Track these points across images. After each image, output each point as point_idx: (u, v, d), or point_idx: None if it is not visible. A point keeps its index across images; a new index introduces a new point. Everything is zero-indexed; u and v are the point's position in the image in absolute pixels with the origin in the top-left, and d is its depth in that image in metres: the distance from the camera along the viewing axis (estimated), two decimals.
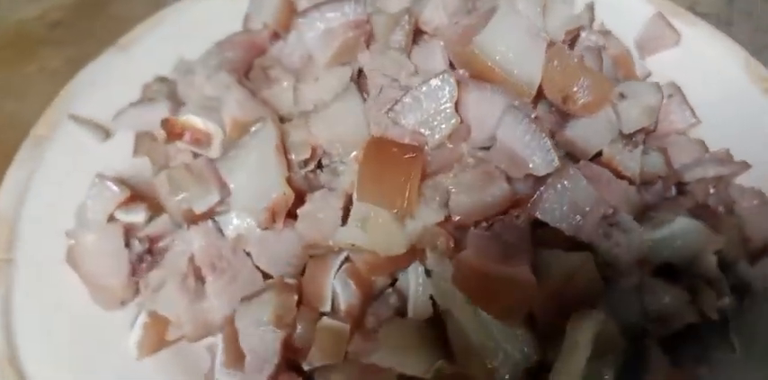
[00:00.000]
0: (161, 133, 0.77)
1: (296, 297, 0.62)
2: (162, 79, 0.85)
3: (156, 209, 0.74)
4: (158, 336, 0.68)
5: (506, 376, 0.60)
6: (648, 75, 0.92)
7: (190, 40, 0.90)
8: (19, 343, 0.65)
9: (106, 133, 0.81)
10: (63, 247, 0.71)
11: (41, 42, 1.06)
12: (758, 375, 0.68)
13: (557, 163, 0.62)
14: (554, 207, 0.62)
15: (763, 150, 0.85)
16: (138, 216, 0.72)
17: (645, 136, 0.73)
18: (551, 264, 0.60)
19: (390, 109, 0.60)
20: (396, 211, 0.59)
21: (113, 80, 0.86)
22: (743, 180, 0.83)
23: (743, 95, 0.93)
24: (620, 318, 0.64)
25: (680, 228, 0.70)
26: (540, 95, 0.69)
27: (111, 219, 0.72)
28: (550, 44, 0.65)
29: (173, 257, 0.64)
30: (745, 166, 0.81)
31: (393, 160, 0.60)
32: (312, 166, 0.67)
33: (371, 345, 0.60)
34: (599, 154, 0.71)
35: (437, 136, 0.61)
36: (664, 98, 0.77)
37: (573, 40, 0.75)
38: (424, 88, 0.60)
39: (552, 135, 0.69)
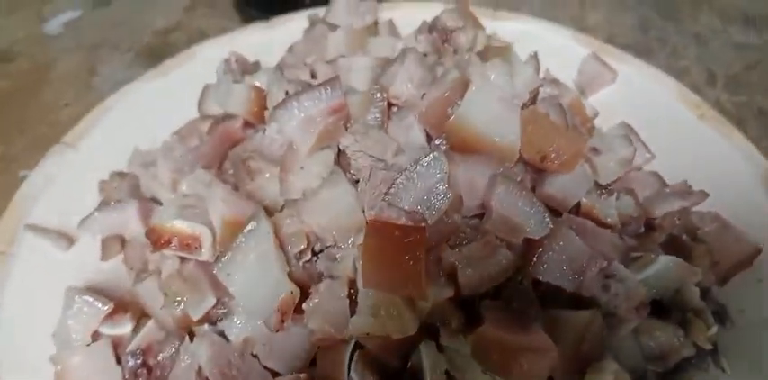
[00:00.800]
0: (130, 234, 0.74)
1: None
2: (120, 174, 0.81)
3: (139, 315, 0.70)
4: None
5: None
6: (596, 115, 0.97)
7: (140, 128, 0.87)
8: None
9: (70, 241, 0.76)
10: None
11: None
12: None
13: (551, 224, 0.64)
14: (554, 267, 0.63)
15: (708, 174, 0.91)
16: (124, 328, 0.68)
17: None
18: (563, 325, 0.62)
19: (386, 193, 0.60)
20: (416, 297, 0.59)
21: (66, 181, 0.81)
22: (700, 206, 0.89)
23: (682, 124, 1.00)
24: (625, 363, 0.67)
25: (662, 266, 0.73)
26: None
27: (95, 335, 0.68)
28: (522, 108, 0.67)
29: (181, 373, 0.60)
30: (703, 195, 0.87)
31: (396, 244, 0.59)
32: (308, 255, 0.65)
33: None
34: (576, 206, 0.74)
35: (435, 213, 0.61)
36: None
37: (534, 96, 0.78)
38: (417, 168, 0.60)
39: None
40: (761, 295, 0.81)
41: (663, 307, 0.75)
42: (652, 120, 1.00)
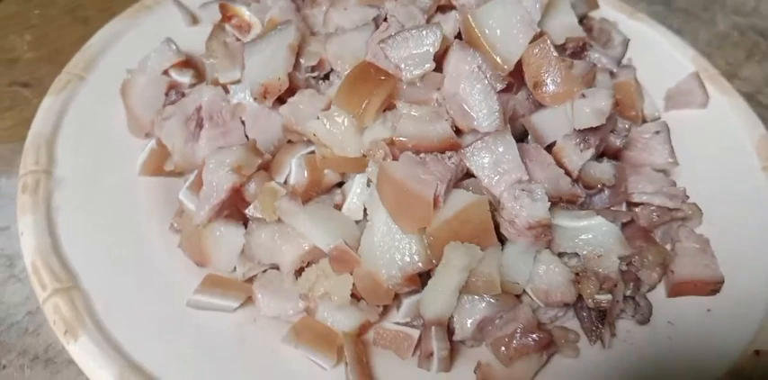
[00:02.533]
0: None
1: (259, 161, 0.77)
2: None
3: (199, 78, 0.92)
4: (158, 163, 0.85)
5: (395, 274, 0.71)
6: (657, 118, 1.00)
7: None
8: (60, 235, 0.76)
9: (194, 19, 1.02)
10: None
11: None
12: None
13: (498, 125, 0.73)
14: (480, 159, 0.72)
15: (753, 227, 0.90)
16: (184, 78, 0.91)
17: (602, 145, 0.82)
18: (453, 198, 0.71)
19: (383, 41, 0.74)
20: (353, 115, 0.73)
21: None
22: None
23: (743, 166, 0.99)
24: (508, 274, 0.74)
25: (596, 224, 0.77)
26: (523, 81, 0.80)
27: (165, 73, 0.91)
28: (538, 35, 0.76)
29: (186, 101, 0.81)
30: (696, 211, 0.87)
31: (368, 78, 0.73)
32: (317, 73, 0.82)
33: (296, 208, 0.73)
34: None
35: (411, 73, 0.74)
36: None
37: (579, 52, 0.85)
38: (414, 31, 0.73)
39: (518, 117, 0.80)
40: (699, 321, 0.82)
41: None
42: (718, 154, 1.00)
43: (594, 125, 0.75)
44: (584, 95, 0.76)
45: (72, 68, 0.92)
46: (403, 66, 0.74)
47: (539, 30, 0.76)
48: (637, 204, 0.87)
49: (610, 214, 0.83)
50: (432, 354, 0.72)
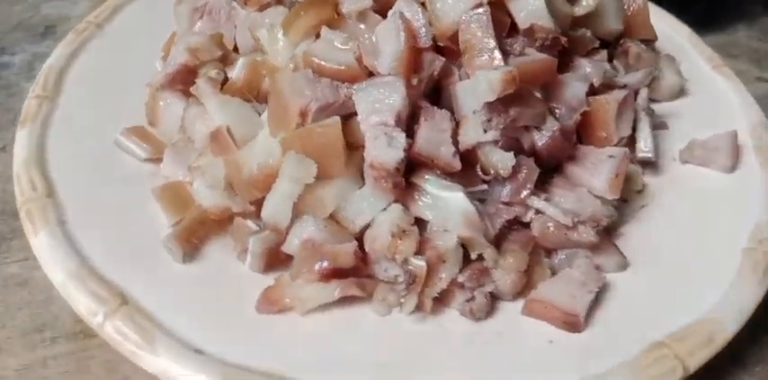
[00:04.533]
0: None
1: (219, 52, 0.90)
2: None
3: None
4: None
5: (252, 169, 0.78)
6: (647, 158, 0.90)
7: None
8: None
9: None
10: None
11: None
12: None
13: (395, 69, 0.74)
14: (365, 95, 0.74)
15: None
16: None
17: (517, 136, 0.78)
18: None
19: None
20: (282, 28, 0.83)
21: None
22: None
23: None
24: (348, 210, 0.76)
25: (454, 198, 0.74)
26: None
27: None
28: (479, 5, 0.76)
29: None
30: (610, 248, 0.78)
31: (314, 2, 0.82)
32: None
33: (210, 89, 0.84)
34: None
35: (349, 6, 0.80)
36: None
37: (550, 46, 0.81)
38: None
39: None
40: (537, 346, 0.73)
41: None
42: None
43: (488, 99, 0.73)
44: (495, 68, 0.74)
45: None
46: None
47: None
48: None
49: (493, 206, 0.78)
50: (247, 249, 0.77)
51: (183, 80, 0.89)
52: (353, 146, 0.76)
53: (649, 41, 1.03)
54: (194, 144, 0.86)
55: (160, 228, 0.80)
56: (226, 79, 0.89)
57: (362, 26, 0.81)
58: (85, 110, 0.93)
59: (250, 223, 0.80)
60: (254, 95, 0.88)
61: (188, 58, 0.87)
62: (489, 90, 0.72)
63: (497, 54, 0.75)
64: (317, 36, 0.82)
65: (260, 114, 0.84)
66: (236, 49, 0.95)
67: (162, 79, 0.89)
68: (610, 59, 0.96)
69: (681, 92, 1.03)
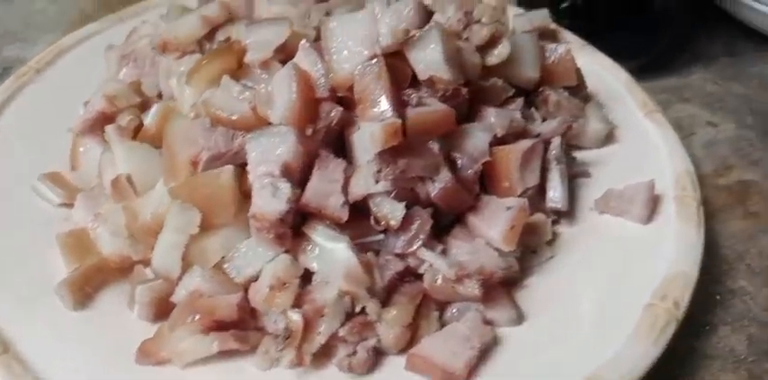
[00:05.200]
0: None
1: (138, 100, 0.92)
2: None
3: None
4: None
5: (145, 217, 0.79)
6: (558, 211, 0.88)
7: None
8: None
9: None
10: None
11: None
12: None
13: (286, 119, 0.75)
14: (256, 145, 0.74)
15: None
16: None
17: (411, 186, 0.77)
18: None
19: (250, 24, 0.83)
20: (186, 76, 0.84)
21: None
22: None
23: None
24: (235, 260, 0.75)
25: (337, 249, 0.74)
26: None
27: None
28: (374, 56, 0.76)
29: (128, 41, 1.01)
30: (506, 303, 0.76)
31: (219, 51, 0.84)
32: None
33: (117, 136, 0.86)
34: None
35: (252, 55, 0.82)
36: None
37: (451, 97, 0.81)
38: (268, 22, 0.81)
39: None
40: None
41: None
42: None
43: (373, 150, 0.73)
44: (381, 120, 0.74)
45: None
46: (251, 48, 0.82)
47: (378, 52, 0.77)
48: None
49: (385, 257, 0.77)
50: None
51: (102, 126, 0.91)
52: (247, 195, 0.76)
53: (577, 88, 1.02)
54: (105, 190, 0.88)
55: (58, 274, 0.80)
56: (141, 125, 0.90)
57: (264, 76, 0.82)
58: (10, 157, 0.95)
59: (149, 272, 0.80)
60: None
61: (105, 105, 0.89)
62: (373, 141, 0.72)
63: (386, 105, 0.75)
64: None
65: None
66: (160, 95, 0.96)
67: (81, 125, 0.91)
68: (529, 107, 0.96)
69: (609, 139, 1.01)
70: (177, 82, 0.86)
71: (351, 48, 0.78)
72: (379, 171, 0.75)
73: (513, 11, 1.12)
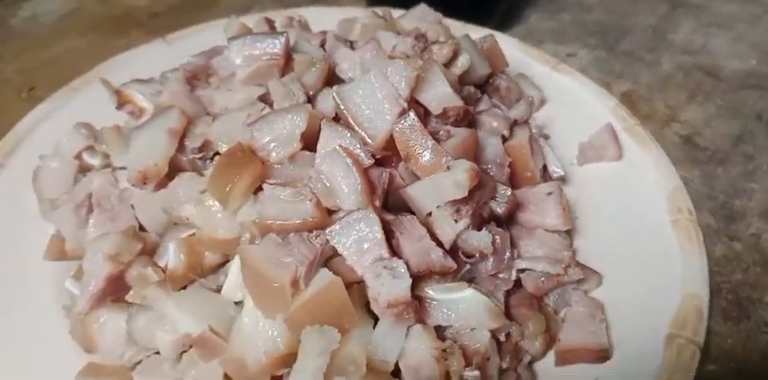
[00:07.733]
0: None
1: (139, 246, 0.78)
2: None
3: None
4: (60, 247, 0.86)
5: (260, 359, 0.71)
6: (560, 176, 0.97)
7: None
8: None
9: None
10: None
11: (137, 26, 1.35)
12: None
13: (360, 202, 0.72)
14: (344, 238, 0.71)
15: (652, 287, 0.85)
16: (95, 161, 0.93)
17: (482, 213, 0.80)
18: (316, 279, 0.70)
19: (251, 123, 0.75)
20: (218, 199, 0.73)
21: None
22: None
23: (655, 227, 0.93)
24: (377, 352, 0.72)
25: (466, 297, 0.75)
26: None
27: (78, 157, 0.93)
28: (403, 111, 0.75)
29: (76, 188, 0.83)
30: (591, 274, 0.84)
31: (236, 161, 0.74)
32: (203, 155, 0.82)
33: (162, 294, 0.73)
34: None
35: (279, 153, 0.74)
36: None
37: (462, 119, 0.83)
38: (279, 113, 0.74)
39: (399, 188, 0.79)
40: None
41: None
42: (627, 208, 0.97)
43: (458, 197, 0.74)
44: (448, 167, 0.74)
45: None
46: (271, 147, 0.75)
47: (405, 105, 0.76)
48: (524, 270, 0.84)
49: (492, 283, 0.81)
50: None
51: (112, 292, 0.76)
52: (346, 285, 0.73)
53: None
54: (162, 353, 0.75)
55: None
56: None
57: (292, 167, 0.76)
58: None
59: None
60: (198, 273, 0.79)
61: (111, 268, 0.74)
62: (458, 188, 0.73)
63: (441, 151, 0.75)
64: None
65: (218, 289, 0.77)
66: (141, 228, 0.83)
67: (87, 303, 0.75)
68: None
69: (542, 102, 1.12)
70: (198, 207, 0.75)
71: (376, 110, 0.75)
72: (457, 211, 0.76)
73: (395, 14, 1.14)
